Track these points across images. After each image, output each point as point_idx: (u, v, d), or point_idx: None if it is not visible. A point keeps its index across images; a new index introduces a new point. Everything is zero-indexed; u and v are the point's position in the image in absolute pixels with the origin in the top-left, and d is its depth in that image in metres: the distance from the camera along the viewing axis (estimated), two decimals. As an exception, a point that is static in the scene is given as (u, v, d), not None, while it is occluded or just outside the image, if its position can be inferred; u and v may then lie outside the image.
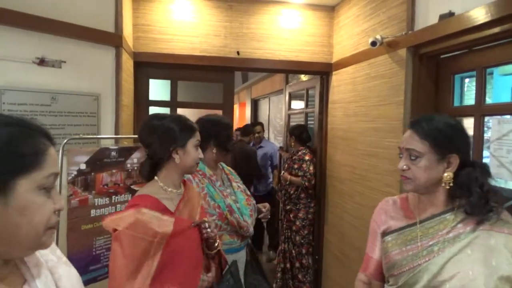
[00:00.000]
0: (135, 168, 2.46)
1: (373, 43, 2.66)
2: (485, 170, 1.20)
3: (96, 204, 2.26)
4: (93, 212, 2.25)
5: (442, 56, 2.43)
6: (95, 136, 2.50)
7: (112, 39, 2.70)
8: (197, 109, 3.66)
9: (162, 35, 3.31)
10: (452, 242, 1.17)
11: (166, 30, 3.32)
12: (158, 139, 1.52)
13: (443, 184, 1.20)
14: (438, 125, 1.22)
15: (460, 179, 1.19)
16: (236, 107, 10.22)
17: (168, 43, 3.33)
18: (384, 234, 1.38)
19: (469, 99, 3.66)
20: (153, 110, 3.56)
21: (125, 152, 2.40)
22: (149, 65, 3.39)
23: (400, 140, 1.34)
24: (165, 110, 3.59)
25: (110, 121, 2.73)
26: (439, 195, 1.24)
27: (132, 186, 2.45)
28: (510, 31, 1.86)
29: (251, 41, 3.49)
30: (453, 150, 1.19)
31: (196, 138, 1.60)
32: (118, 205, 2.37)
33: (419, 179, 1.22)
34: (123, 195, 2.41)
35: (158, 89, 3.88)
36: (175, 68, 3.46)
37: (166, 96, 3.68)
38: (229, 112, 3.62)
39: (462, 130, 1.23)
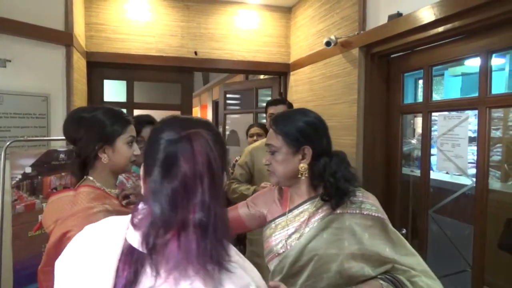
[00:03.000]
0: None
1: (328, 43, 2.72)
2: (341, 159, 1.27)
3: (43, 209, 2.16)
4: (40, 218, 2.14)
5: (392, 56, 2.52)
6: (40, 138, 2.40)
7: (61, 37, 2.60)
8: (155, 110, 3.59)
9: (116, 35, 3.23)
10: (310, 228, 1.24)
11: (120, 29, 3.24)
12: (85, 134, 1.32)
13: (299, 175, 1.26)
14: (291, 121, 1.29)
15: (314, 169, 1.26)
16: (197, 109, 10.11)
17: (123, 42, 3.25)
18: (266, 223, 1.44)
19: (420, 97, 3.79)
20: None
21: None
22: (103, 65, 3.29)
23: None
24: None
25: (60, 123, 2.58)
26: (301, 186, 1.30)
27: (84, 189, 2.36)
28: (454, 30, 1.96)
29: (209, 41, 3.47)
30: (306, 142, 1.25)
31: (129, 133, 1.39)
32: (69, 209, 2.28)
33: (278, 171, 1.29)
34: (74, 198, 2.31)
35: (114, 90, 3.77)
36: (131, 68, 3.38)
37: (121, 97, 3.59)
38: (188, 113, 3.58)
39: (314, 124, 1.28)
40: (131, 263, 0.72)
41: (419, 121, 3.71)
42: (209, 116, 8.34)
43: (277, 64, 3.69)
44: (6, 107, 2.31)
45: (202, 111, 9.36)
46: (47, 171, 2.16)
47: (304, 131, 1.26)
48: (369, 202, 1.26)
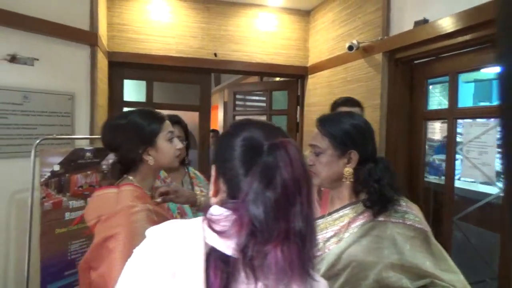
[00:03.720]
0: (111, 169, 2.39)
1: (350, 48, 2.73)
2: (386, 166, 1.26)
3: (70, 206, 2.18)
4: (67, 215, 2.17)
5: (415, 62, 2.52)
6: (69, 137, 2.43)
7: (87, 37, 2.63)
8: (173, 111, 3.62)
9: (138, 35, 3.25)
10: (350, 233, 1.23)
11: (142, 30, 3.26)
12: (125, 140, 1.35)
13: (343, 179, 1.26)
14: (339, 123, 1.28)
15: (359, 174, 1.24)
16: (208, 110, 10.11)
17: (144, 43, 3.27)
18: None
19: (433, 104, 3.80)
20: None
21: (101, 153, 2.33)
22: (124, 65, 3.31)
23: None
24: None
25: (84, 122, 2.65)
26: (344, 190, 1.29)
27: (108, 188, 2.38)
28: (480, 38, 1.96)
29: (228, 43, 3.48)
30: (353, 146, 1.24)
31: (167, 130, 1.40)
32: (94, 208, 2.30)
33: (321, 173, 1.27)
34: (98, 197, 2.33)
35: (133, 89, 3.80)
36: (151, 68, 3.40)
37: (141, 97, 3.62)
38: (206, 113, 3.60)
39: (362, 128, 1.27)
40: (223, 269, 0.71)
41: (431, 127, 3.70)
42: (219, 118, 8.35)
43: (295, 67, 3.70)
44: (33, 105, 2.33)
45: (213, 112, 9.37)
46: (74, 169, 2.18)
47: (352, 134, 1.25)
48: (413, 213, 1.24)
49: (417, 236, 1.20)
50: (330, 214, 1.34)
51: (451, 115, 2.22)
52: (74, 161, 2.18)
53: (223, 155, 0.82)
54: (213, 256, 0.72)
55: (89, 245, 2.24)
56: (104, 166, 2.35)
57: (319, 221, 1.36)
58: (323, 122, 1.31)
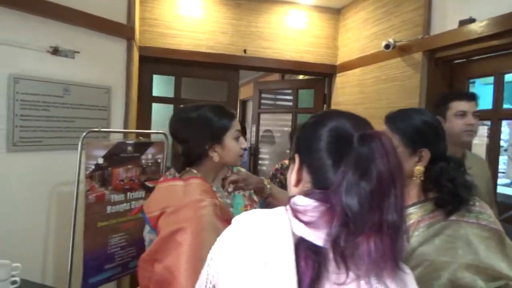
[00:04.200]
0: (150, 164, 2.39)
1: (387, 46, 2.70)
2: (458, 165, 1.23)
3: (112, 200, 2.18)
4: (109, 209, 2.16)
5: (455, 61, 2.50)
6: (116, 130, 2.43)
7: (124, 30, 2.62)
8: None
9: (168, 30, 3.24)
10: (421, 232, 1.20)
11: (172, 25, 3.25)
12: (195, 133, 1.36)
13: (414, 178, 1.23)
14: (410, 120, 1.25)
15: (431, 173, 1.22)
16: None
17: (174, 38, 3.26)
18: None
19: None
20: (155, 106, 3.49)
21: (141, 147, 2.32)
22: (153, 60, 3.31)
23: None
24: (168, 107, 3.52)
25: (119, 115, 2.65)
26: (412, 188, 1.26)
27: (146, 183, 2.38)
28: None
29: (258, 40, 3.47)
30: (424, 144, 1.22)
31: (235, 128, 1.40)
32: (133, 202, 2.30)
33: None
34: (137, 191, 2.33)
35: (160, 84, 3.79)
36: (179, 64, 3.39)
37: (167, 93, 3.61)
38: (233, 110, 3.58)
39: (434, 126, 1.25)
40: (314, 259, 0.71)
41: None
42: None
43: (323, 65, 3.68)
44: (73, 98, 2.33)
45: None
46: (116, 163, 2.18)
47: (423, 131, 1.23)
48: (487, 213, 1.21)
49: (492, 237, 1.17)
50: None
51: (497, 116, 2.20)
52: (117, 155, 2.17)
53: (308, 144, 0.82)
54: (302, 246, 0.72)
55: (128, 240, 2.26)
56: (143, 161, 2.34)
57: None
58: (393, 119, 1.29)
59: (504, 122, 2.19)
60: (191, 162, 1.41)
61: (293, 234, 0.74)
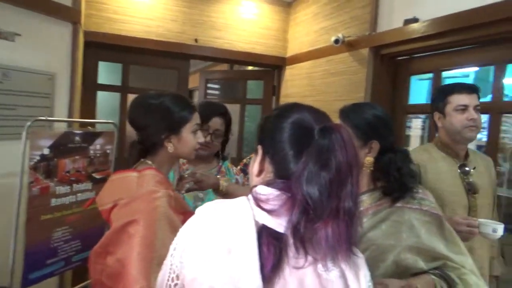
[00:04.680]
0: (98, 155, 2.30)
1: (336, 41, 2.80)
2: (405, 156, 1.32)
3: (57, 192, 2.07)
4: (53, 201, 2.06)
5: (399, 58, 2.65)
6: (64, 119, 2.30)
7: (69, 13, 2.48)
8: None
9: (117, 15, 3.11)
10: (369, 218, 1.29)
11: (121, 10, 3.12)
12: (153, 121, 1.33)
13: (364, 168, 1.30)
14: (362, 114, 1.32)
15: (380, 163, 1.30)
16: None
17: (122, 24, 3.13)
18: None
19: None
20: (101, 94, 3.35)
21: (89, 138, 2.23)
22: (100, 46, 3.16)
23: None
24: (115, 96, 3.39)
25: (64, 104, 2.51)
26: (363, 178, 1.33)
27: (93, 174, 2.29)
28: (465, 40, 2.12)
29: (209, 29, 3.43)
30: (374, 137, 1.29)
31: (195, 121, 1.39)
32: (79, 194, 2.20)
33: None
34: (84, 183, 2.23)
35: (106, 72, 3.63)
36: (127, 51, 3.27)
37: (114, 81, 3.47)
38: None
39: (384, 120, 1.32)
40: (276, 245, 0.75)
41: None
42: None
43: (273, 57, 3.73)
44: (13, 84, 2.17)
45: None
46: (62, 153, 2.07)
47: (374, 125, 1.29)
48: (429, 199, 1.32)
49: (432, 221, 1.28)
50: None
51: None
52: (64, 145, 2.06)
53: (271, 136, 0.85)
54: (264, 233, 0.76)
55: (72, 233, 2.17)
56: (91, 152, 2.25)
57: None
58: (346, 113, 1.35)
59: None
60: (146, 151, 1.38)
61: (256, 222, 0.77)
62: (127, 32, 3.14)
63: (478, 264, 1.58)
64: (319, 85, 3.20)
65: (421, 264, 1.24)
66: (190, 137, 1.37)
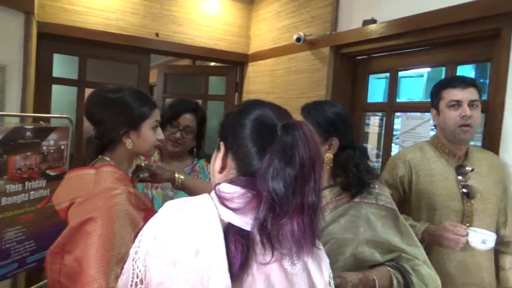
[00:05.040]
0: (52, 151, 2.21)
1: (298, 39, 2.84)
2: (363, 152, 1.37)
3: (7, 191, 1.97)
4: (3, 200, 1.96)
5: (358, 57, 2.73)
6: (16, 114, 2.20)
7: (22, 3, 2.35)
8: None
9: (73, 6, 2.98)
10: (329, 213, 1.33)
11: (77, 1, 2.99)
12: (111, 116, 1.29)
13: (324, 164, 1.34)
14: (323, 111, 1.36)
15: (339, 159, 1.35)
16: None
17: (79, 15, 3.01)
18: None
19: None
20: (56, 88, 3.21)
21: (42, 133, 2.13)
22: (55, 38, 3.02)
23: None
24: (72, 90, 3.26)
25: (15, 97, 2.39)
26: (324, 174, 1.37)
27: (47, 171, 2.20)
28: (420, 41, 2.21)
29: (171, 24, 3.37)
30: (334, 134, 1.32)
31: (155, 118, 1.37)
32: (32, 192, 2.11)
33: None
34: (37, 181, 2.14)
35: (62, 65, 3.48)
36: (85, 44, 3.14)
37: (70, 74, 3.34)
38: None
39: (344, 117, 1.37)
40: (243, 243, 0.76)
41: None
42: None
43: (235, 53, 3.72)
44: (-42, 75, 2.04)
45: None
46: (12, 150, 1.97)
47: (334, 122, 1.33)
48: (385, 194, 1.37)
49: (388, 215, 1.34)
50: None
51: (391, 108, 2.47)
52: (14, 141, 1.96)
53: (234, 132, 0.86)
54: (231, 232, 0.76)
55: (26, 233, 2.08)
56: (44, 148, 2.16)
57: None
58: (308, 110, 1.37)
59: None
60: (104, 147, 1.34)
61: (221, 220, 0.77)
62: (84, 24, 3.03)
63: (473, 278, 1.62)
64: (282, 82, 3.23)
65: (378, 257, 1.30)
66: (150, 133, 1.35)
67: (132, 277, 0.79)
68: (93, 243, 1.13)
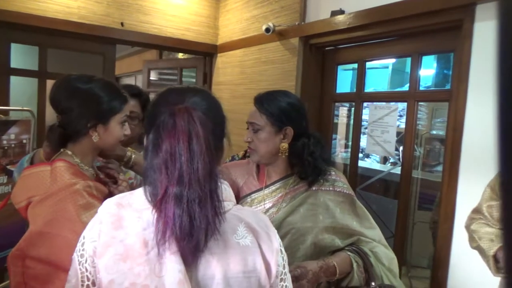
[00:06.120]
0: (13, 145, 2.11)
1: (267, 30, 2.83)
2: (317, 140, 1.39)
3: None
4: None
5: (327, 48, 2.75)
6: None
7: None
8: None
9: (31, -7, 2.83)
10: (287, 203, 1.36)
11: (35, -13, 2.85)
12: (78, 107, 1.21)
13: (280, 154, 1.36)
14: (276, 101, 1.36)
15: (294, 148, 1.36)
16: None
17: (38, 3, 2.86)
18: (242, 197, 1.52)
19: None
20: (15, 79, 3.05)
21: (1, 126, 2.03)
22: (11, 26, 2.86)
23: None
24: (32, 81, 3.11)
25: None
26: (280, 164, 1.40)
27: (8, 167, 2.10)
28: (387, 32, 2.26)
29: (136, 13, 3.27)
30: (288, 123, 1.32)
31: (125, 112, 1.30)
32: (-7, 189, 2.01)
33: (260, 150, 1.34)
34: (-3, 177, 2.04)
35: (22, 55, 3.31)
36: (45, 33, 3.00)
37: (30, 65, 3.18)
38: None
39: (297, 106, 1.38)
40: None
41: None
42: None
43: (204, 44, 3.66)
44: None
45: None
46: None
47: (287, 111, 1.33)
48: (341, 181, 1.41)
49: (345, 201, 1.37)
50: (267, 186, 1.42)
51: (359, 98, 2.51)
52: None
53: (145, 124, 0.92)
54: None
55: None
56: (4, 142, 2.05)
57: (257, 194, 1.44)
58: (261, 101, 1.36)
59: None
60: (67, 138, 1.27)
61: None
62: (43, 12, 2.88)
63: None
64: (251, 73, 3.22)
65: (338, 242, 1.33)
66: (118, 128, 1.29)
67: (82, 281, 0.78)
68: (64, 247, 1.07)
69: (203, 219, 0.74)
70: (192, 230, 0.73)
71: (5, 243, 2.09)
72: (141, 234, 0.75)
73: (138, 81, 6.70)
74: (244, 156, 2.10)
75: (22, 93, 3.17)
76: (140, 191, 0.82)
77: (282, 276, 0.84)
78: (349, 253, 1.30)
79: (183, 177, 0.73)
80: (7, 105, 2.88)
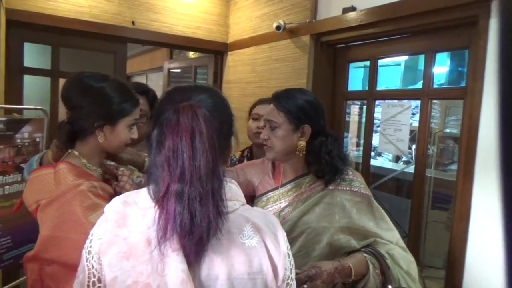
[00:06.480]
0: (26, 144, 2.12)
1: (278, 28, 2.81)
2: (335, 139, 1.38)
3: None
4: (-25, 197, 1.88)
5: (338, 46, 2.72)
6: None
7: (-12, -12, 2.23)
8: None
9: (43, -8, 2.86)
10: (303, 202, 1.35)
11: (48, -13, 2.87)
12: (89, 105, 1.21)
13: (297, 152, 1.34)
14: (294, 99, 1.35)
15: (312, 147, 1.35)
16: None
17: (50, 2, 2.89)
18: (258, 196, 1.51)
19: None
20: (28, 78, 3.08)
21: (15, 125, 2.05)
22: (24, 26, 2.89)
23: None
24: (44, 80, 3.14)
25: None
26: (297, 162, 1.39)
27: (22, 165, 2.11)
28: (399, 29, 2.22)
29: (147, 11, 3.28)
30: (306, 121, 1.31)
31: (134, 116, 1.29)
32: (7, 187, 2.03)
33: (277, 147, 1.33)
34: (11, 175, 2.06)
35: (35, 54, 3.34)
36: (57, 32, 3.02)
37: (43, 64, 3.21)
38: (121, 86, 3.36)
39: (314, 103, 1.37)
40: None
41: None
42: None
43: (215, 42, 3.66)
44: None
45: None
46: (-16, 143, 1.88)
47: (306, 109, 1.31)
48: (358, 180, 1.38)
49: (362, 201, 1.35)
50: (283, 185, 1.41)
51: (371, 96, 2.48)
52: (-15, 134, 1.88)
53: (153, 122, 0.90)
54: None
55: (2, 229, 2.01)
56: (18, 140, 2.07)
57: (273, 193, 1.43)
58: (279, 98, 1.35)
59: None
60: (75, 135, 1.26)
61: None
62: (55, 11, 2.90)
63: None
64: (262, 71, 3.20)
65: (354, 243, 1.31)
66: (125, 131, 1.27)
67: (89, 277, 0.79)
68: (74, 245, 1.07)
69: (204, 217, 0.73)
70: (192, 227, 0.72)
71: (24, 239, 2.12)
72: (145, 232, 0.75)
73: (150, 80, 6.74)
74: (242, 157, 2.08)
75: (35, 92, 3.21)
76: (145, 190, 0.82)
77: (289, 281, 0.82)
78: (365, 254, 1.28)
79: (185, 174, 0.73)
80: (21, 103, 2.92)
